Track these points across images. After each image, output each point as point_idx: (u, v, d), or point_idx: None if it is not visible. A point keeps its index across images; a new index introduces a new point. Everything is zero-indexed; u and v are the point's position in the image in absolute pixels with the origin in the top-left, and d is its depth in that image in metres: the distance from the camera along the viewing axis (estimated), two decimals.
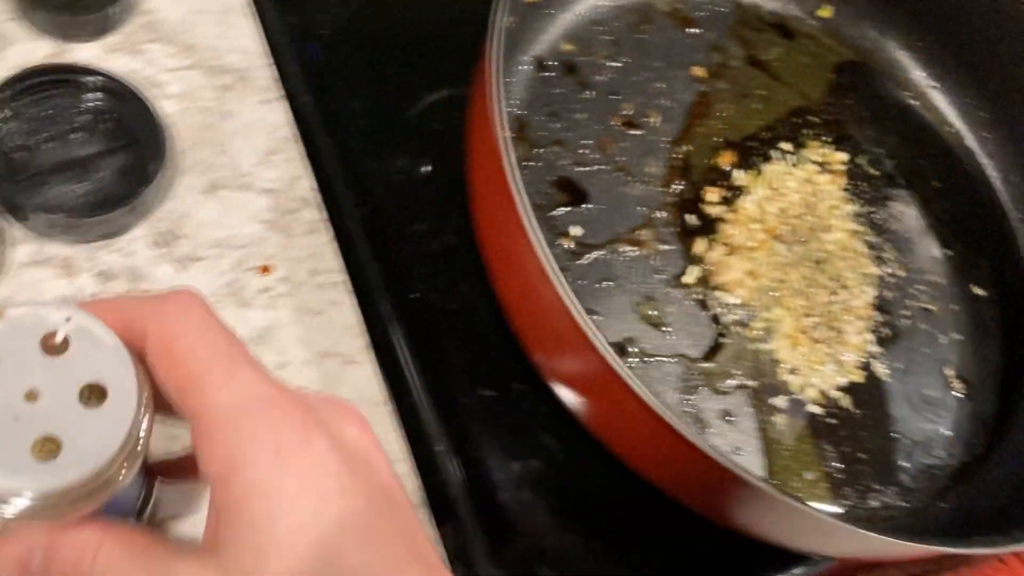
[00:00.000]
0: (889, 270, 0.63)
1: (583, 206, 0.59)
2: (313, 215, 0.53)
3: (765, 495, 0.42)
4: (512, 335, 0.51)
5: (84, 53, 0.53)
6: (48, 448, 0.28)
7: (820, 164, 0.65)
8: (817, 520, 0.43)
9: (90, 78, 0.50)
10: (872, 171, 0.67)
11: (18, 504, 0.27)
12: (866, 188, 0.66)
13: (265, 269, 0.50)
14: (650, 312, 0.56)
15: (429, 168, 0.59)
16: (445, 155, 0.58)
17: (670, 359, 0.56)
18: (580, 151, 0.60)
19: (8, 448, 0.27)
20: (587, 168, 0.60)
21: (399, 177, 0.58)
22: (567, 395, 0.50)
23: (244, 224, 0.51)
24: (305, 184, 0.53)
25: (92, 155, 0.49)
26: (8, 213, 0.46)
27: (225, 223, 0.51)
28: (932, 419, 0.59)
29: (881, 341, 0.60)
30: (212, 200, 0.51)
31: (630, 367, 0.52)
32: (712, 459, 0.41)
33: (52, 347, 0.29)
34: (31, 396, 0.28)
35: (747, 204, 0.62)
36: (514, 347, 0.51)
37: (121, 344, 0.29)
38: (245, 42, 0.56)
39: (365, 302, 0.52)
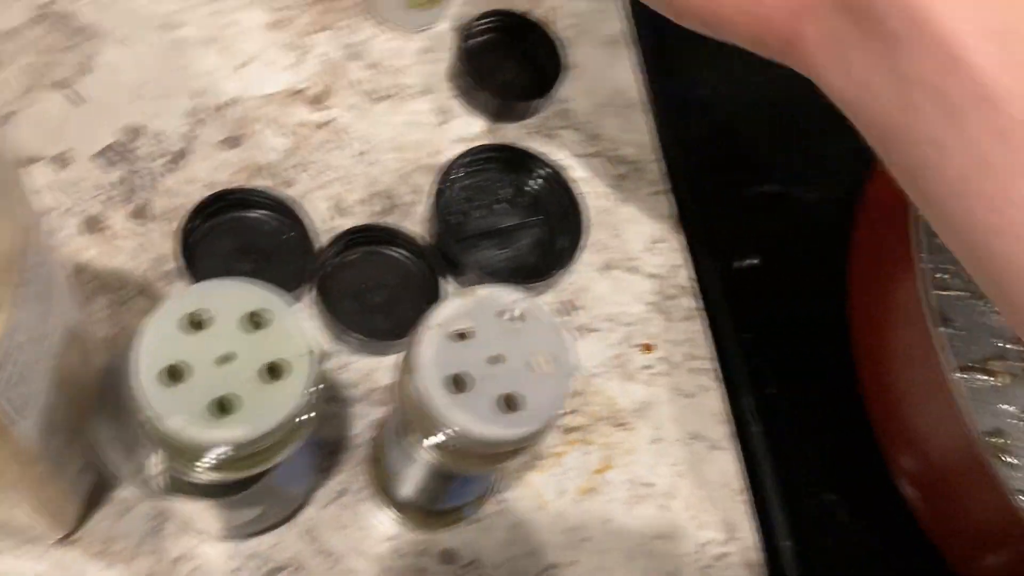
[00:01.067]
0: None
1: None
2: (690, 303, 0.57)
3: None
4: (866, 441, 0.53)
5: (509, 133, 0.59)
6: (511, 404, 0.35)
7: None
8: None
9: (530, 160, 0.56)
10: None
11: None
12: None
13: (648, 348, 0.55)
14: None
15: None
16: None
17: None
18: None
19: (478, 402, 0.35)
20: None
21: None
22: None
23: (631, 303, 0.56)
24: (684, 273, 0.58)
25: (512, 226, 0.55)
26: (448, 268, 0.53)
27: (615, 300, 0.56)
28: None
29: None
30: (606, 278, 0.56)
31: None
32: None
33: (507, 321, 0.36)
34: (496, 359, 0.36)
35: None
36: (865, 452, 0.53)
37: (557, 323, 0.37)
38: (641, 137, 0.62)
39: (731, 391, 0.55)
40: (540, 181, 0.56)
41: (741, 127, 0.67)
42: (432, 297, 0.51)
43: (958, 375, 0.47)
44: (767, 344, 0.59)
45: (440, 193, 0.53)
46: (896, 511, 0.53)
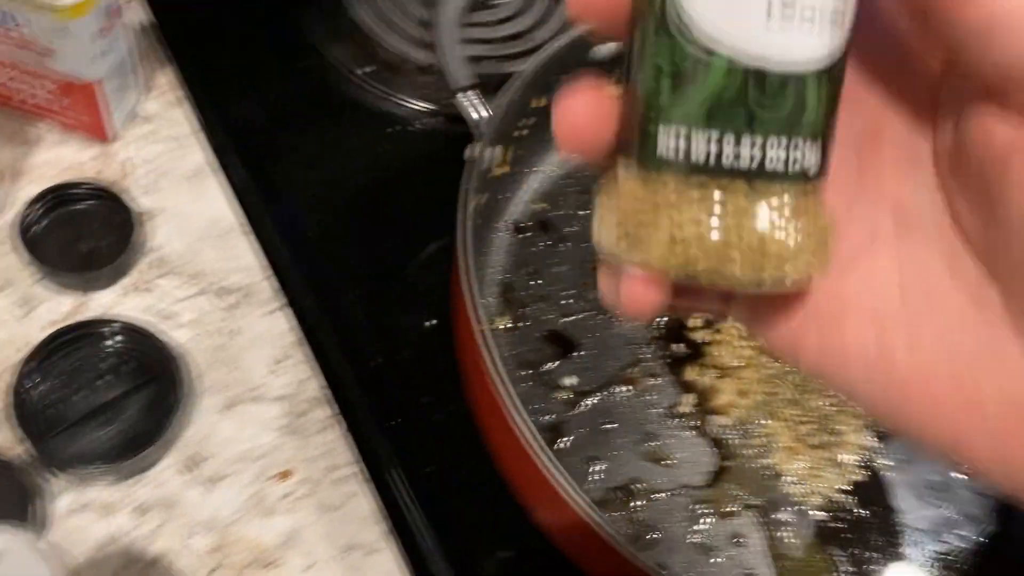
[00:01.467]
0: None
1: (574, 355, 0.63)
2: (324, 412, 0.57)
3: None
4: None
5: (103, 299, 0.59)
6: None
7: None
8: None
9: (106, 328, 0.56)
10: None
11: None
12: None
13: (284, 475, 0.55)
14: (651, 448, 0.60)
15: (435, 322, 0.64)
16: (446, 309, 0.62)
17: (676, 492, 0.59)
18: (564, 302, 0.64)
19: None
20: (573, 317, 0.64)
21: (410, 359, 0.62)
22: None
23: (261, 435, 0.56)
24: (314, 384, 0.58)
25: (118, 396, 0.55)
26: (48, 469, 0.52)
27: (243, 437, 0.56)
28: (939, 504, 0.61)
29: (880, 435, 0.63)
30: (230, 417, 0.56)
31: (637, 509, 0.56)
32: None
33: None
34: None
35: (731, 324, 0.65)
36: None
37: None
38: (246, 260, 0.62)
39: (381, 486, 0.56)
40: (133, 342, 0.56)
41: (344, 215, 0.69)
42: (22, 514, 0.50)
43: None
44: (414, 426, 0.60)
45: (17, 394, 0.52)
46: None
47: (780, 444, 0.61)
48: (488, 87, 0.61)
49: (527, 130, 0.66)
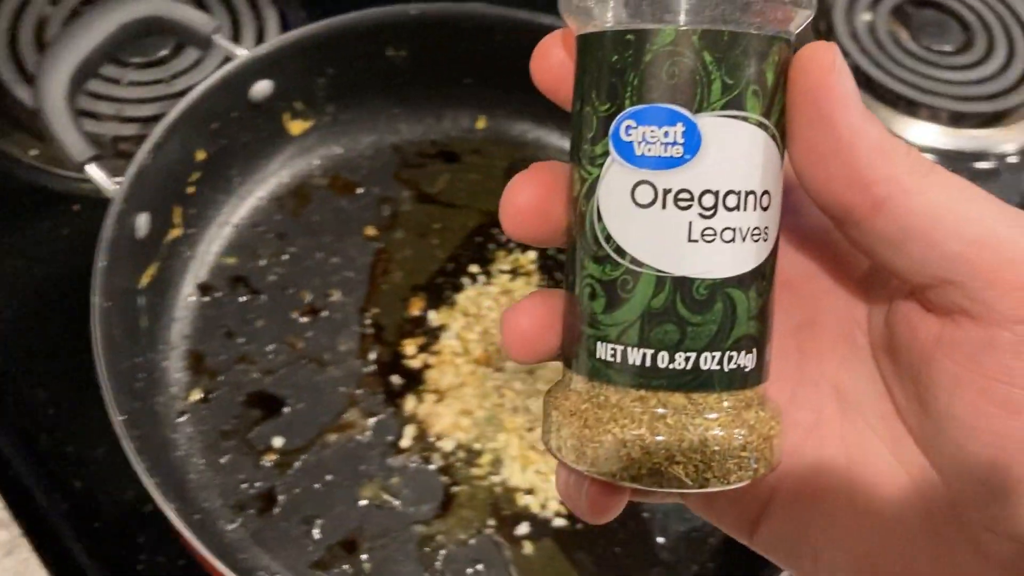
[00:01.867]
0: None
1: (283, 410, 0.59)
2: (5, 535, 0.53)
3: None
4: None
5: None
6: None
7: (511, 272, 0.67)
8: None
9: None
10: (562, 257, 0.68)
11: None
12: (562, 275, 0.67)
13: None
14: (374, 493, 0.57)
15: None
16: None
17: (406, 530, 0.56)
18: (267, 358, 0.61)
19: None
20: (277, 373, 0.61)
21: None
22: None
23: None
24: None
25: None
26: None
27: None
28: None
29: None
30: None
31: (365, 560, 0.53)
32: None
33: None
34: None
35: (448, 341, 0.63)
36: None
37: None
38: None
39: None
40: None
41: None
42: None
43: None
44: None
45: None
46: None
47: (509, 456, 0.59)
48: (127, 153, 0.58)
49: (195, 185, 0.62)
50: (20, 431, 0.58)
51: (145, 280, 0.59)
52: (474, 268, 0.67)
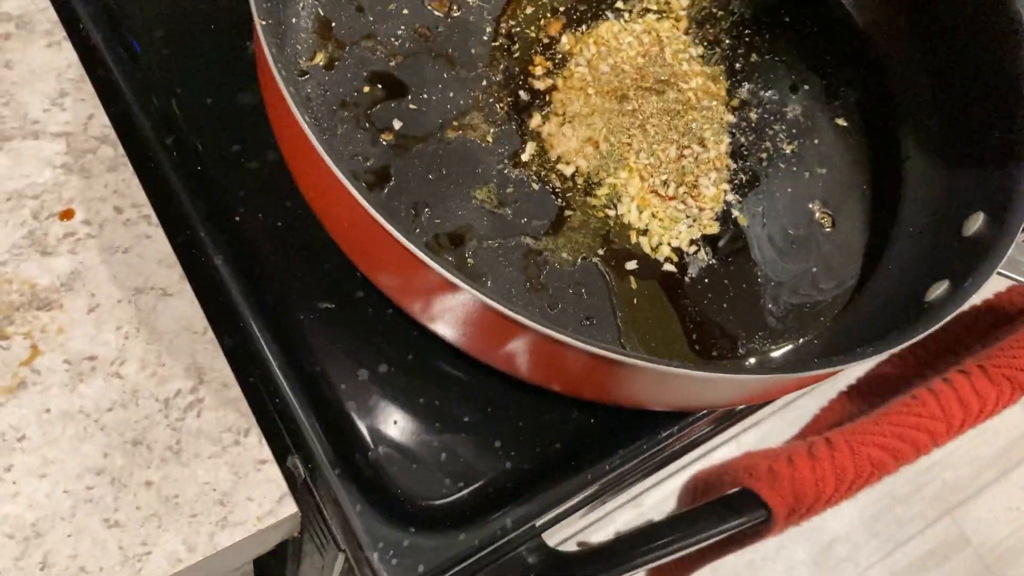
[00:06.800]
0: (743, 115, 0.61)
1: (407, 96, 0.56)
2: (110, 152, 0.51)
3: (601, 357, 0.40)
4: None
5: None
6: None
7: (659, 12, 0.63)
8: (652, 371, 0.41)
9: None
10: (718, 11, 0.64)
11: None
12: (711, 31, 0.63)
13: (67, 214, 0.49)
14: (488, 196, 0.55)
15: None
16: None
17: (514, 239, 0.54)
18: (395, 42, 0.58)
19: None
20: (404, 60, 0.57)
21: (213, 104, 0.55)
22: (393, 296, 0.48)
23: (39, 172, 0.49)
24: (99, 122, 0.51)
25: None
26: None
27: (17, 174, 0.49)
28: (798, 258, 0.58)
29: (739, 188, 0.59)
30: (2, 154, 0.49)
31: (468, 255, 0.51)
32: (535, 329, 0.39)
33: None
34: None
35: (578, 68, 0.60)
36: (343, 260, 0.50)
37: None
38: None
39: (180, 231, 0.50)
40: None
41: None
42: None
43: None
44: (223, 171, 0.53)
45: None
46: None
47: (629, 194, 0.56)
48: None
49: None
50: (126, 78, 0.55)
51: None
52: (620, 3, 0.63)
